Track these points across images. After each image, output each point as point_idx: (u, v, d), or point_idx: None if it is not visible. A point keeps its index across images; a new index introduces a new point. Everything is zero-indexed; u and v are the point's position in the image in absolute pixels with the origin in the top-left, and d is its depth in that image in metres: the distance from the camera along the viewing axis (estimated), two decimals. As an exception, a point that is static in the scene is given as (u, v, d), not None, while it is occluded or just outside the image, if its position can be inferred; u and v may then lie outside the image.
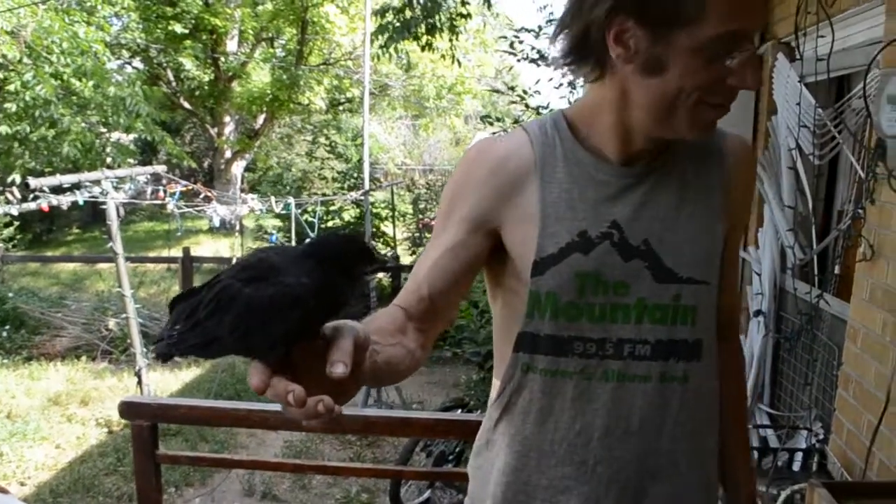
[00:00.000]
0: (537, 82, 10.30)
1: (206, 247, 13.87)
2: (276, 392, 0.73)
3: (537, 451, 1.17)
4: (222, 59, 15.37)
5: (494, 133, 7.66)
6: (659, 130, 1.09)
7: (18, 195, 5.84)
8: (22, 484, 4.85)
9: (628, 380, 1.13)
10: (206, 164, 16.94)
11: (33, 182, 4.86)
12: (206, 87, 15.59)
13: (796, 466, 2.65)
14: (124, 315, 6.20)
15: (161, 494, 2.79)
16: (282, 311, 0.75)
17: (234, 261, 7.35)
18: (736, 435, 1.31)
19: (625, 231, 1.11)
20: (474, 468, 1.30)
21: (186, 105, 16.02)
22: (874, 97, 2.21)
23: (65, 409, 6.22)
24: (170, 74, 15.81)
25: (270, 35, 15.99)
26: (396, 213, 11.07)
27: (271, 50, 16.55)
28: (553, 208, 1.12)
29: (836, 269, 2.86)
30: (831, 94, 3.07)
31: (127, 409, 2.73)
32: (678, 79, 1.01)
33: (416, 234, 11.72)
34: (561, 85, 7.45)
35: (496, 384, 1.24)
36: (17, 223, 12.38)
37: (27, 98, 10.86)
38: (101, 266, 11.58)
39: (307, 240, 0.94)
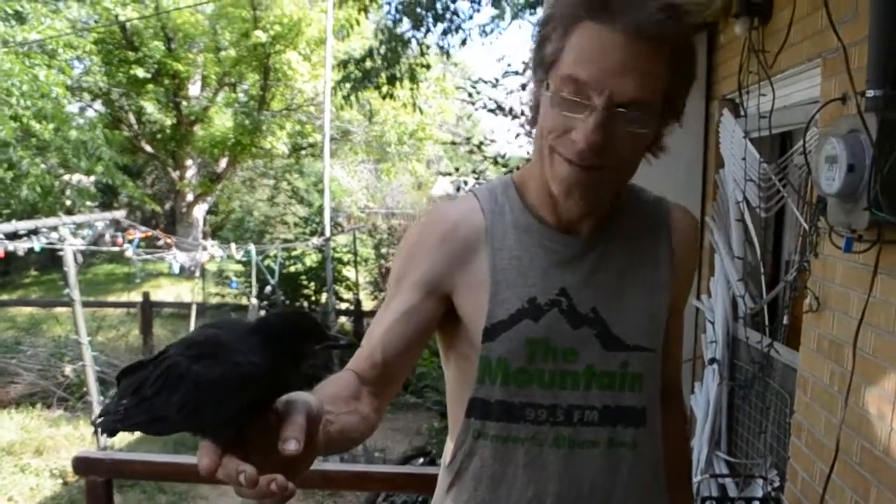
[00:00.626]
0: (492, 132, 10.56)
1: (166, 290, 13.67)
2: (226, 472, 0.71)
3: None
4: (184, 103, 15.34)
5: (453, 182, 7.81)
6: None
7: (-25, 240, 5.75)
8: (-29, 539, 4.70)
9: (578, 446, 1.14)
10: (167, 207, 16.77)
11: (-12, 228, 4.79)
12: (167, 131, 15.51)
13: None
14: (81, 362, 6.10)
15: (116, 554, 2.75)
16: (232, 390, 0.73)
17: (193, 307, 7.27)
18: (679, 497, 1.33)
19: (573, 298, 1.13)
20: None
21: (148, 148, 15.90)
22: (813, 156, 2.32)
23: (18, 458, 6.06)
24: (131, 118, 15.71)
25: (233, 80, 16.01)
26: (358, 258, 11.07)
27: (234, 95, 16.57)
28: (503, 275, 1.13)
29: (785, 319, 2.92)
30: (774, 149, 3.17)
31: (81, 464, 2.70)
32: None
33: (379, 279, 11.71)
34: (518, 135, 7.63)
35: (449, 447, 1.25)
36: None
37: (-16, 140, 10.75)
38: (59, 310, 11.32)
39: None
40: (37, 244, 5.38)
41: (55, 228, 5.09)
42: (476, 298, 1.13)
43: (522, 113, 7.19)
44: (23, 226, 4.88)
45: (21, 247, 5.42)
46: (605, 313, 1.14)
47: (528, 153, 7.82)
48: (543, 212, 1.16)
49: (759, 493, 2.81)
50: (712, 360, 3.39)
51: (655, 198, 1.26)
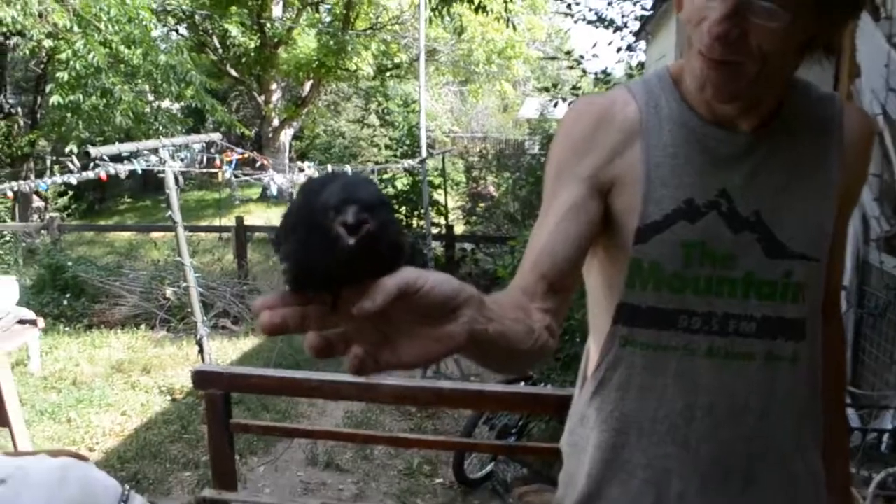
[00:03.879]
0: (594, 45, 9.91)
1: (256, 216, 13.90)
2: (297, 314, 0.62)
3: (637, 427, 1.12)
4: (268, 24, 15.26)
5: (551, 99, 7.50)
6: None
7: (77, 163, 5.83)
8: (90, 450, 4.89)
9: (733, 357, 1.08)
10: (253, 132, 16.94)
11: (94, 151, 4.81)
12: (252, 54, 15.54)
13: (885, 448, 2.53)
14: (182, 283, 6.21)
15: (234, 462, 2.76)
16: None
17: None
18: (835, 418, 1.24)
19: (734, 200, 1.06)
20: (569, 445, 1.25)
21: (233, 72, 16.00)
22: None
23: (128, 376, 6.28)
24: (216, 41, 15.78)
25: (316, 0, 15.82)
26: (449, 182, 10.92)
27: (317, 15, 16.39)
28: (658, 172, 1.06)
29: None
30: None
31: (200, 378, 2.70)
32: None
33: (469, 204, 11.57)
34: (620, 49, 7.25)
35: (592, 357, 1.19)
36: (71, 193, 12.55)
37: (78, 67, 10.90)
38: (155, 235, 11.68)
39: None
40: (138, 166, 5.41)
41: (155, 150, 5.08)
42: (629, 196, 1.07)
43: (625, 24, 6.80)
44: (124, 148, 4.89)
45: (123, 169, 5.47)
46: (768, 218, 1.06)
47: (629, 68, 7.44)
48: (700, 106, 1.08)
49: (889, 425, 2.64)
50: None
51: (828, 95, 1.15)
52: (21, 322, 3.74)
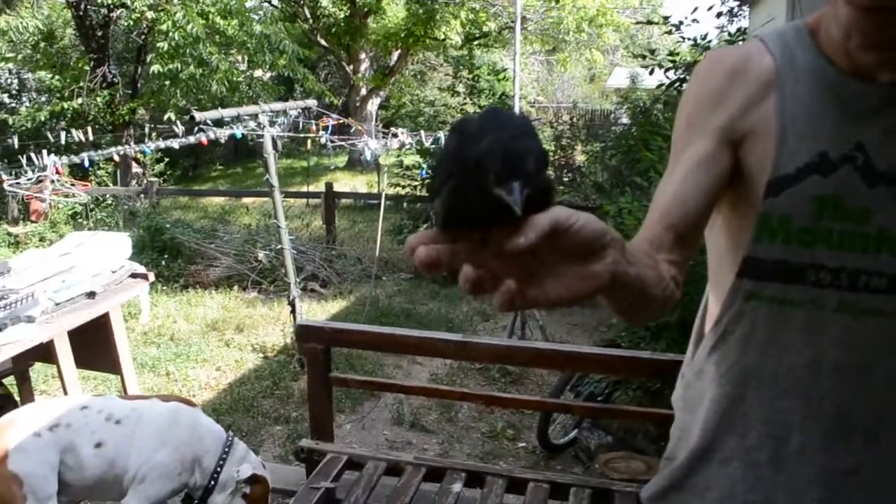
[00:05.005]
0: (695, 10, 9.64)
1: (342, 183, 14.12)
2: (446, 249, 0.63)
3: (757, 381, 1.12)
4: (358, -7, 15.38)
5: (646, 66, 7.27)
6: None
7: (182, 128, 6.05)
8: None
9: (863, 313, 1.05)
10: (341, 101, 17.17)
11: (198, 115, 4.99)
12: (341, 24, 15.68)
13: None
14: (275, 246, 6.38)
15: (332, 414, 2.86)
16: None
17: (382, 197, 7.31)
18: None
19: (871, 154, 1.02)
20: (682, 399, 1.26)
21: (322, 42, 16.20)
22: None
23: (222, 334, 6.52)
24: (306, 11, 16.00)
25: (406, -31, 15.82)
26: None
27: (407, -17, 16.42)
28: (792, 124, 1.03)
29: None
30: None
31: (303, 332, 2.82)
32: None
33: (557, 173, 11.46)
34: (721, 14, 6.97)
35: (712, 311, 1.19)
36: (166, 159, 13.03)
37: (177, 37, 11.27)
38: (247, 200, 12.03)
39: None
40: (238, 131, 5.58)
41: (255, 116, 5.23)
42: (762, 148, 1.05)
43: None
44: (226, 113, 5.06)
45: (224, 134, 5.65)
46: None
47: (729, 35, 7.16)
48: (838, 57, 1.03)
49: None
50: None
51: None
52: (133, 276, 3.92)
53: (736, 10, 6.74)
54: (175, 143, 6.07)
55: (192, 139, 5.99)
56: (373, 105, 16.58)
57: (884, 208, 1.03)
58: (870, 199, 1.03)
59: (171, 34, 11.29)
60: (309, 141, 7.36)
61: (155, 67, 11.70)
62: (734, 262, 1.10)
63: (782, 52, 1.07)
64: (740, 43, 1.29)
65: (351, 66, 16.37)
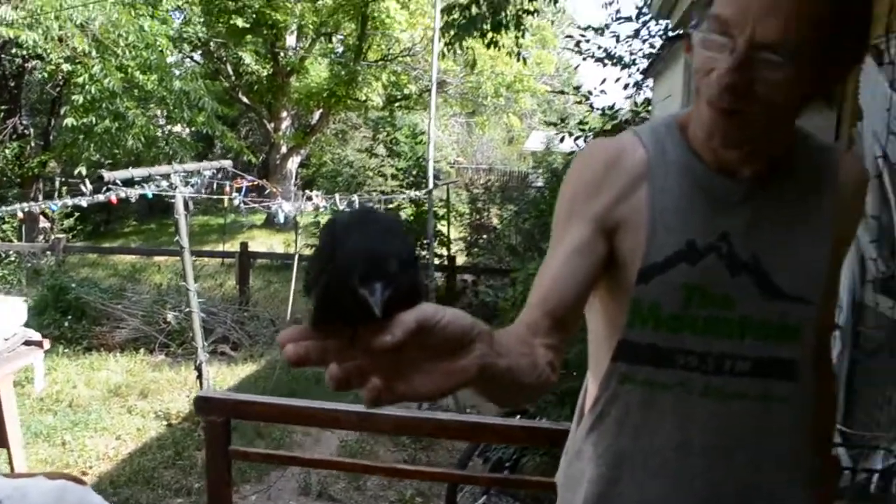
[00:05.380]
0: (603, 82, 10.09)
1: (259, 242, 13.97)
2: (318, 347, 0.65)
3: (630, 463, 1.15)
4: (281, 53, 15.47)
5: (557, 133, 7.57)
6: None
7: (90, 187, 5.90)
8: (83, 473, 4.88)
9: (728, 396, 1.11)
10: (261, 159, 17.09)
11: (107, 175, 4.89)
12: (264, 82, 15.73)
13: (873, 488, 2.52)
14: (184, 308, 6.23)
15: (231, 489, 2.76)
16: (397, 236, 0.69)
17: (296, 257, 7.24)
18: (823, 458, 1.29)
19: (734, 244, 1.09)
20: (564, 477, 1.28)
21: (244, 99, 16.18)
22: None
23: (125, 400, 6.28)
24: (229, 68, 15.99)
25: (330, 30, 16.04)
26: (453, 213, 10.96)
27: (330, 45, 16.62)
28: (662, 216, 1.10)
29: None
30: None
31: (201, 404, 2.72)
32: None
33: (472, 235, 11.61)
34: (627, 85, 7.32)
35: (591, 392, 1.22)
36: (77, 214, 12.64)
37: (94, 91, 11.06)
38: (159, 259, 11.73)
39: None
40: (149, 191, 5.48)
41: (167, 176, 5.15)
42: (634, 238, 1.11)
43: (633, 62, 6.87)
44: (137, 173, 4.97)
45: (134, 194, 5.54)
46: (765, 261, 1.10)
47: (635, 105, 7.51)
48: (705, 153, 1.11)
49: (879, 465, 2.63)
50: (834, 326, 3.17)
51: (826, 145, 1.20)
52: (27, 343, 3.75)
53: (641, 83, 7.08)
54: (83, 202, 5.91)
55: (101, 197, 5.84)
56: (293, 163, 16.56)
57: (746, 295, 1.09)
58: (733, 287, 1.09)
59: (87, 87, 11.07)
60: (228, 200, 7.29)
61: (69, 120, 11.43)
62: (610, 346, 1.15)
63: (654, 147, 1.13)
64: (617, 134, 1.37)
65: (272, 124, 16.36)
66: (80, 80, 11.21)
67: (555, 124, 7.29)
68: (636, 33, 7.14)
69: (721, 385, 1.11)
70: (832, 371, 1.35)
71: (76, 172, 11.15)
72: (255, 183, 7.33)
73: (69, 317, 7.81)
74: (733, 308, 1.09)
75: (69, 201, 7.71)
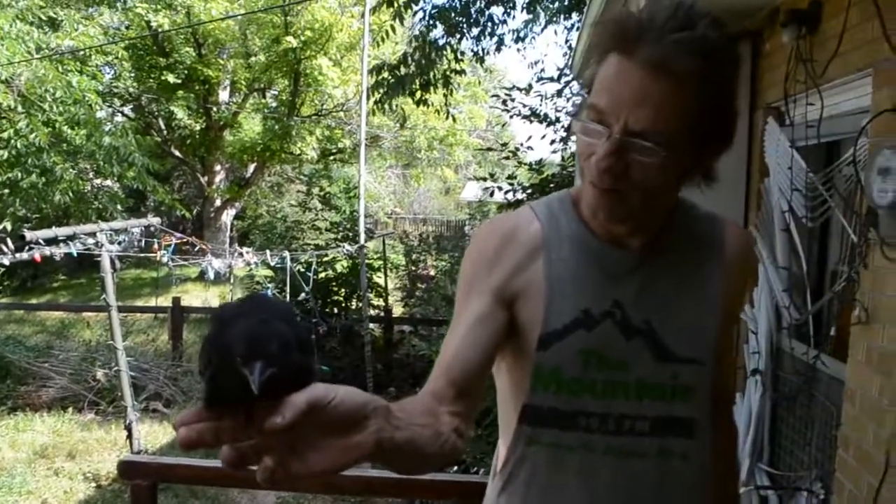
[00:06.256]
0: (529, 138, 10.53)
1: (194, 296, 13.76)
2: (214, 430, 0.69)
3: None
4: (214, 108, 15.49)
5: (486, 188, 7.82)
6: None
7: (12, 245, 5.84)
8: (7, 540, 4.76)
9: (629, 455, 1.16)
10: (195, 212, 16.92)
11: (29, 234, 4.88)
12: (197, 136, 15.67)
13: None
14: (113, 366, 6.17)
15: (158, 557, 2.76)
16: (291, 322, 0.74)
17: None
18: None
19: (627, 311, 1.16)
20: None
21: (177, 153, 16.08)
22: (864, 166, 2.28)
23: (51, 462, 6.14)
24: (161, 123, 15.90)
25: (263, 86, 16.15)
26: (389, 264, 11.05)
27: (263, 100, 16.70)
28: (559, 285, 1.16)
29: (832, 330, 2.89)
30: (821, 159, 3.13)
31: (126, 468, 2.73)
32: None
33: (409, 286, 11.71)
34: (553, 141, 7.61)
35: (501, 453, 1.25)
36: (2, 270, 12.28)
37: (19, 146, 10.89)
38: (88, 314, 11.48)
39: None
40: (74, 250, 5.46)
41: (93, 234, 5.16)
42: (532, 307, 1.15)
43: (557, 119, 7.17)
44: (61, 232, 4.97)
45: (58, 252, 5.50)
46: (657, 326, 1.16)
47: (562, 159, 7.81)
48: (595, 227, 1.18)
49: None
50: (755, 371, 3.35)
51: (710, 215, 1.27)
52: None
53: (566, 139, 7.38)
54: (5, 260, 5.83)
55: (25, 256, 5.77)
56: (227, 216, 16.45)
57: (640, 358, 1.15)
58: (628, 351, 1.15)
59: (12, 142, 10.88)
60: (158, 257, 7.27)
61: (-7, 176, 11.20)
62: (516, 409, 1.19)
63: (549, 220, 1.20)
64: (515, 210, 1.46)
65: (206, 178, 16.26)
66: (4, 135, 11.02)
67: (484, 179, 7.54)
68: (559, 93, 7.46)
69: (621, 445, 1.15)
70: (733, 429, 1.42)
71: (0, 228, 10.90)
72: (184, 240, 7.34)
73: (-7, 377, 7.61)
74: (629, 371, 1.15)
75: (-10, 259, 7.57)
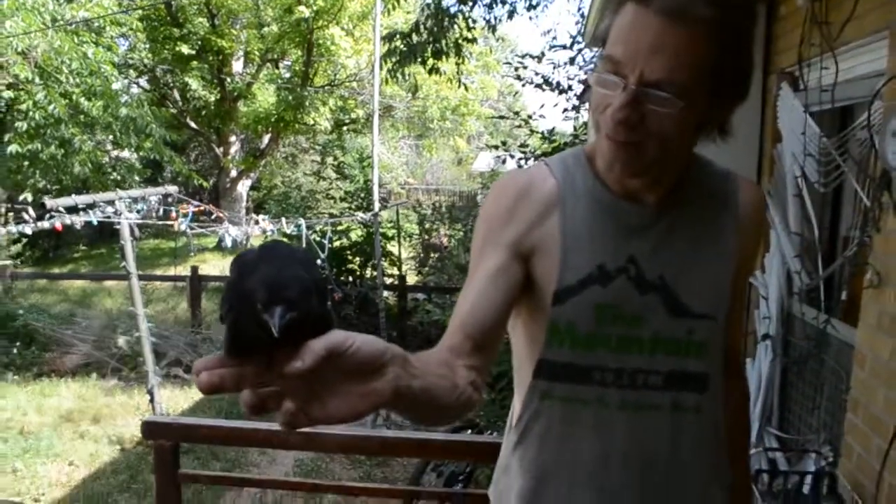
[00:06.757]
0: (542, 107, 10.41)
1: (212, 265, 13.91)
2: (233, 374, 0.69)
3: (555, 476, 1.20)
4: (228, 79, 15.49)
5: (499, 157, 7.82)
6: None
7: (34, 213, 5.93)
8: (36, 501, 4.90)
9: (643, 409, 1.17)
10: (211, 183, 17.01)
11: (49, 202, 4.95)
12: (211, 107, 15.69)
13: (806, 489, 2.67)
14: (134, 333, 6.29)
15: (182, 513, 2.84)
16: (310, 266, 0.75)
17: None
18: (737, 468, 1.34)
19: (641, 266, 1.16)
20: (495, 493, 1.33)
21: (192, 124, 16.13)
22: (879, 129, 2.29)
23: (77, 425, 6.28)
24: (176, 94, 15.93)
25: (276, 56, 16.12)
26: (402, 234, 11.10)
27: (277, 71, 16.68)
28: (574, 240, 1.16)
29: (843, 295, 2.91)
30: (835, 123, 3.12)
31: (149, 428, 2.76)
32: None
33: (422, 255, 11.76)
34: (566, 109, 7.59)
35: (516, 408, 1.27)
36: (25, 240, 12.46)
37: (38, 117, 10.98)
38: (109, 283, 11.65)
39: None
40: (94, 218, 5.53)
41: (111, 202, 5.23)
42: (548, 262, 1.16)
43: (570, 88, 7.14)
44: (81, 200, 5.04)
45: (78, 221, 5.58)
46: (671, 282, 1.17)
47: (574, 128, 7.78)
48: (611, 182, 1.18)
49: (812, 468, 2.80)
50: (765, 336, 3.37)
51: (724, 171, 1.27)
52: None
53: (579, 107, 7.36)
54: (27, 229, 5.92)
55: (45, 224, 5.86)
56: (243, 187, 16.53)
57: (654, 313, 1.16)
58: (642, 306, 1.16)
59: (31, 114, 10.97)
60: (175, 225, 7.34)
61: (13, 147, 11.30)
62: (531, 365, 1.20)
63: (564, 176, 1.20)
64: (531, 166, 1.44)
65: (221, 149, 16.32)
66: (23, 106, 11.11)
67: (497, 147, 7.54)
68: (571, 60, 7.42)
69: (636, 399, 1.16)
70: (745, 385, 1.43)
71: (21, 199, 11.03)
72: (201, 208, 7.41)
73: (18, 343, 7.77)
74: (644, 326, 1.16)
75: (13, 229, 7.68)
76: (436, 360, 0.99)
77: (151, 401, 5.48)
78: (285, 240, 9.67)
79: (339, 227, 9.71)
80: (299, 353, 0.67)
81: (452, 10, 6.96)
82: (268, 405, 0.70)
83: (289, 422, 0.69)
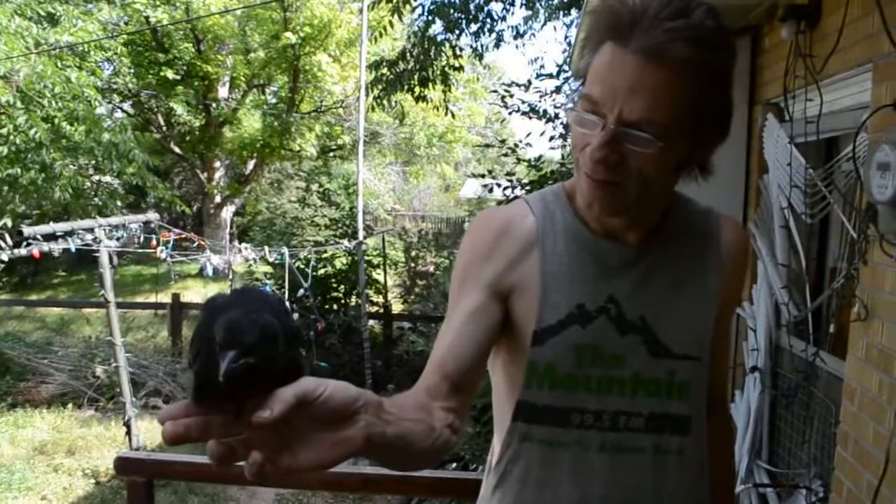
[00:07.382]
0: (528, 135, 10.51)
1: (194, 292, 13.75)
2: (199, 425, 0.67)
3: None
4: (213, 104, 15.47)
5: (485, 185, 7.81)
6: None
7: (10, 241, 5.83)
8: (6, 537, 4.76)
9: (624, 451, 1.15)
10: (195, 209, 16.91)
11: (27, 230, 4.87)
12: (196, 133, 15.63)
13: None
14: (112, 363, 6.17)
15: (154, 551, 2.75)
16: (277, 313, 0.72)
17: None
18: None
19: (622, 306, 1.15)
20: None
21: (176, 150, 16.06)
22: (864, 162, 2.28)
23: (51, 458, 6.14)
24: (160, 119, 15.88)
25: (262, 82, 16.13)
26: (388, 261, 11.05)
27: (262, 97, 16.69)
28: (553, 279, 1.15)
29: (831, 327, 2.89)
30: (820, 154, 3.13)
31: (122, 464, 2.72)
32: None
33: (408, 282, 11.70)
34: (553, 137, 7.60)
35: (496, 449, 1.25)
36: (1, 266, 12.28)
37: (18, 141, 10.88)
38: (88, 311, 11.49)
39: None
40: (72, 245, 5.45)
41: (91, 230, 5.15)
42: (527, 301, 1.14)
43: (557, 116, 7.15)
44: (59, 227, 4.96)
45: (57, 248, 5.49)
46: (652, 321, 1.15)
47: (562, 157, 7.79)
48: (591, 220, 1.17)
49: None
50: (754, 369, 3.34)
51: (706, 209, 1.26)
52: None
53: (565, 135, 7.37)
54: (3, 256, 5.82)
55: (22, 251, 5.76)
56: (227, 213, 16.44)
57: (635, 354, 1.14)
58: (622, 347, 1.14)
59: (11, 138, 10.87)
60: (156, 251, 7.27)
61: (-7, 172, 11.19)
62: (511, 405, 1.18)
63: (543, 214, 1.19)
64: (510, 203, 1.42)
65: (205, 174, 16.25)
66: (3, 130, 11.01)
67: (483, 175, 7.54)
68: (558, 89, 7.45)
69: (617, 441, 1.14)
70: (729, 426, 1.42)
71: (1, 224, 10.89)
72: (183, 235, 7.34)
73: (-8, 373, 7.62)
74: (624, 367, 1.14)
75: (-12, 256, 7.57)
76: (412, 404, 0.98)
77: (128, 433, 5.37)
78: (269, 268, 9.67)
79: (324, 255, 9.65)
80: (268, 401, 0.65)
81: (439, 38, 6.99)
82: (236, 454, 0.68)
83: (256, 472, 0.67)
